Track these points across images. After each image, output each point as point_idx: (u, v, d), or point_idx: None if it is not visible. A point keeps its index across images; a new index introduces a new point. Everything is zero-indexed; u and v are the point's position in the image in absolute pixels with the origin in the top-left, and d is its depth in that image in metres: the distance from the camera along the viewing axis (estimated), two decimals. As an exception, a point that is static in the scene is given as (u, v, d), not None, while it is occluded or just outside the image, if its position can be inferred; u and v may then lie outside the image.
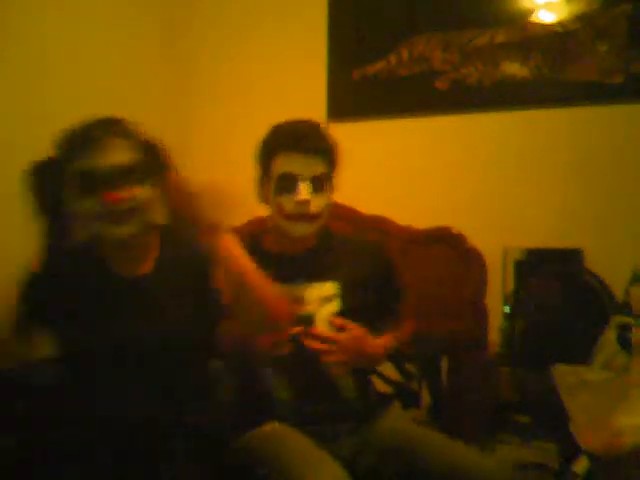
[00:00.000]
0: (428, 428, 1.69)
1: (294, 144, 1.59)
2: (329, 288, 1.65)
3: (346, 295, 1.65)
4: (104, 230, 1.33)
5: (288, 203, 1.59)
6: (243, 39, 2.85)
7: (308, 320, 1.62)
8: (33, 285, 1.40)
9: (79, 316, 1.37)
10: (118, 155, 1.33)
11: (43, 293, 1.40)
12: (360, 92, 2.66)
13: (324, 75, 2.70)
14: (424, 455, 1.49)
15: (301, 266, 1.66)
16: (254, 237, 1.72)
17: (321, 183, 1.62)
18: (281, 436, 1.50)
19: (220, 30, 2.88)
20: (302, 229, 1.62)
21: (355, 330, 1.60)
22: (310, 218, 1.61)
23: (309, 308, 1.62)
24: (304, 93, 2.72)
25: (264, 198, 1.68)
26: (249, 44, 2.83)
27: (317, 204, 1.60)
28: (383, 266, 1.77)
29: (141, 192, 1.34)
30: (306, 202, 1.58)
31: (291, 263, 1.66)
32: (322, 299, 1.64)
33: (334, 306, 1.64)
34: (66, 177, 1.34)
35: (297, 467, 1.35)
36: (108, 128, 1.36)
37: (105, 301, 1.39)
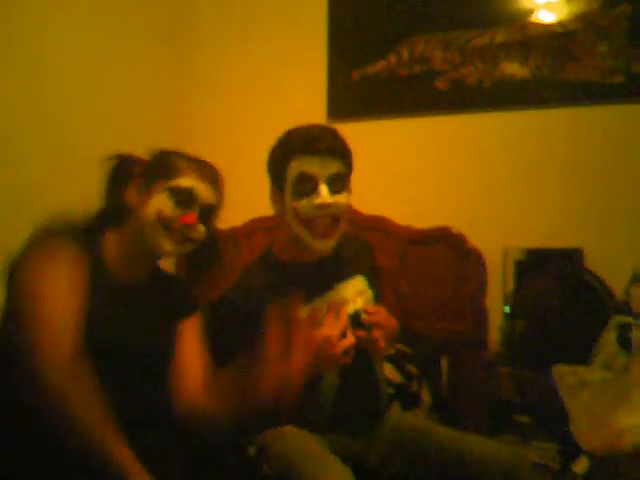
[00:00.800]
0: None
1: (309, 147, 1.52)
2: (359, 281, 1.65)
3: (371, 284, 1.67)
4: (159, 235, 1.40)
5: (306, 207, 1.51)
6: (243, 39, 2.85)
7: (356, 317, 1.56)
8: None
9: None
10: (214, 195, 1.46)
11: None
12: (360, 92, 2.66)
13: (324, 75, 2.70)
14: (433, 445, 1.49)
15: (329, 270, 1.62)
16: (266, 252, 1.67)
17: (341, 182, 1.55)
18: (291, 436, 1.49)
19: (220, 30, 2.88)
20: (324, 245, 1.55)
21: (383, 310, 1.58)
22: (331, 222, 1.54)
23: (353, 306, 1.57)
24: (304, 93, 2.72)
25: (278, 207, 1.60)
26: (249, 44, 2.83)
27: (338, 206, 1.53)
28: (373, 260, 1.80)
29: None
30: (328, 205, 1.50)
31: (317, 271, 1.60)
32: (359, 293, 1.62)
33: (369, 296, 1.64)
34: (168, 183, 1.42)
35: (306, 469, 1.34)
36: None
37: (98, 300, 1.38)
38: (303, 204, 1.51)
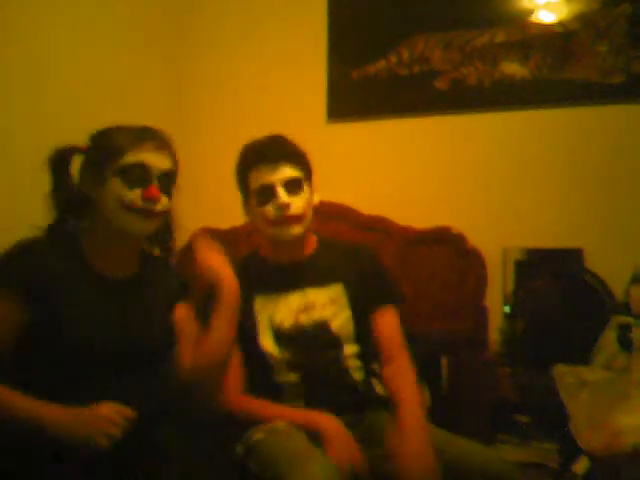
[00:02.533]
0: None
1: (261, 157, 1.66)
2: (336, 290, 1.70)
3: (351, 295, 1.70)
4: (130, 220, 1.40)
5: (270, 210, 1.65)
6: (243, 39, 2.84)
7: (323, 325, 1.66)
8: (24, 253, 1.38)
9: (55, 303, 1.35)
10: (167, 161, 1.44)
11: (30, 265, 1.36)
12: (360, 92, 2.66)
13: (324, 75, 2.70)
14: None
15: (303, 273, 1.71)
16: (250, 254, 1.82)
17: (296, 186, 1.67)
18: (276, 433, 1.51)
19: (220, 30, 2.88)
20: (289, 232, 1.66)
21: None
22: (293, 220, 1.66)
23: (321, 313, 1.67)
24: (304, 93, 2.72)
25: (250, 216, 1.74)
26: (249, 44, 2.83)
27: (296, 205, 1.65)
28: (376, 263, 1.81)
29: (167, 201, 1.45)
30: (285, 205, 1.63)
31: (294, 270, 1.71)
32: (331, 301, 1.69)
33: (344, 307, 1.69)
34: (114, 165, 1.39)
35: (289, 463, 1.36)
36: None
37: (83, 297, 1.38)
38: (267, 209, 1.65)
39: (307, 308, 1.67)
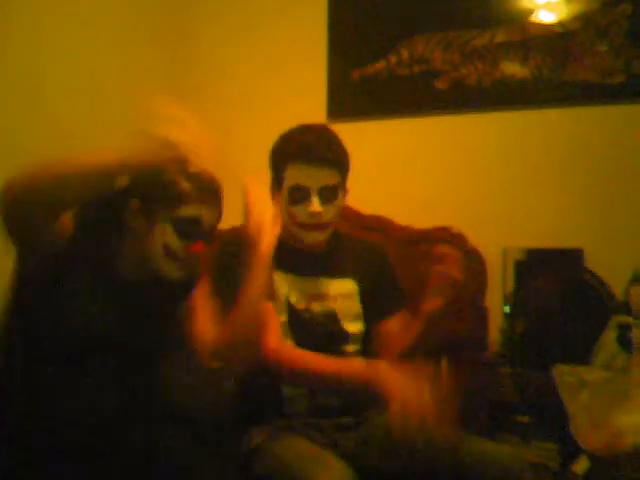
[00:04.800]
0: None
1: (303, 155, 1.58)
2: (348, 285, 1.69)
3: (364, 292, 1.69)
4: (169, 265, 1.38)
5: (300, 213, 1.60)
6: (243, 39, 2.84)
7: (333, 317, 1.65)
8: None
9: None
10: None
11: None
12: (360, 92, 2.66)
13: (324, 75, 2.70)
14: (430, 444, 1.46)
15: (320, 262, 1.68)
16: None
17: (332, 193, 1.62)
18: (283, 437, 1.50)
19: (219, 30, 2.88)
20: (314, 237, 1.63)
21: None
22: (320, 227, 1.62)
23: (332, 304, 1.65)
24: (304, 93, 2.72)
25: (276, 203, 1.62)
26: (249, 44, 2.83)
27: (329, 214, 1.61)
28: (388, 266, 1.81)
29: None
30: (317, 214, 1.59)
31: (309, 258, 1.67)
32: (343, 296, 1.67)
33: (355, 304, 1.68)
34: (171, 212, 1.37)
35: (302, 466, 1.35)
36: None
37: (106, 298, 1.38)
38: (297, 210, 1.60)
39: (319, 297, 1.65)
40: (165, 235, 1.35)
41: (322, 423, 1.57)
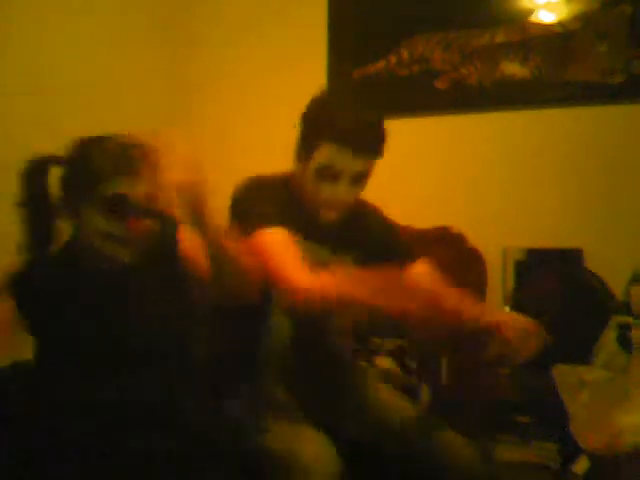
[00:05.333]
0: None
1: (346, 137, 1.48)
2: (345, 263, 1.63)
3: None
4: (112, 248, 1.31)
5: (325, 191, 1.52)
6: (243, 39, 2.84)
7: None
8: (17, 284, 1.35)
9: (63, 317, 1.33)
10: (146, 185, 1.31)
11: (27, 293, 1.34)
12: (360, 92, 2.66)
13: (324, 75, 2.70)
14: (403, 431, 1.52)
15: (326, 231, 1.60)
16: (285, 184, 1.62)
17: (361, 179, 1.55)
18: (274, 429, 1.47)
19: (219, 30, 2.88)
20: (333, 215, 1.56)
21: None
22: (341, 206, 1.56)
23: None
24: (304, 93, 2.71)
25: (300, 170, 1.57)
26: (249, 44, 2.83)
27: (352, 197, 1.56)
28: (395, 248, 1.76)
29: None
30: (342, 198, 1.54)
31: (318, 225, 1.59)
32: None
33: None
34: (90, 194, 1.29)
35: (284, 448, 1.35)
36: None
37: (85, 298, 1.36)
38: (324, 188, 1.51)
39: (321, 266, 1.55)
40: (93, 220, 1.28)
41: (300, 397, 1.54)
